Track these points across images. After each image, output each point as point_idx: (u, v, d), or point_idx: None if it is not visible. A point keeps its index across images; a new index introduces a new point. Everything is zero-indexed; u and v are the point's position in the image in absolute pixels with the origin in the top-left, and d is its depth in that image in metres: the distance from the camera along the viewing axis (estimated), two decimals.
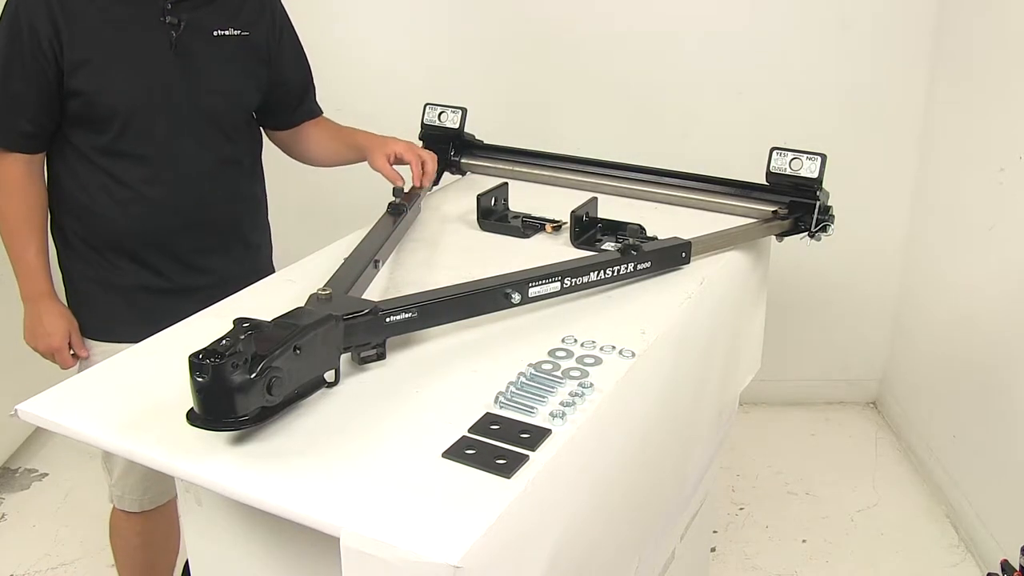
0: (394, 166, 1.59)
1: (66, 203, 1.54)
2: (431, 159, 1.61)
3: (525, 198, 1.57)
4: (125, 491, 1.65)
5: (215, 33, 1.52)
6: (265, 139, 1.72)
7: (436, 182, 1.71)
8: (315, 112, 1.76)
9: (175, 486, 1.60)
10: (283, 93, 1.68)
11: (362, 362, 1.03)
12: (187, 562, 1.92)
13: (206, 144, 1.54)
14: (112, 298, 1.55)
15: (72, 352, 1.56)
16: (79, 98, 1.44)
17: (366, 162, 1.64)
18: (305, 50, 1.70)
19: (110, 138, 1.47)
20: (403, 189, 1.50)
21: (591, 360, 1.05)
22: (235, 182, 1.62)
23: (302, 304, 1.00)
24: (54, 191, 1.54)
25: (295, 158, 1.80)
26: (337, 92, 1.75)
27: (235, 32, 1.54)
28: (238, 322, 0.88)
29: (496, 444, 0.88)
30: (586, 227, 1.42)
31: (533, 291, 1.15)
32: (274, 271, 1.52)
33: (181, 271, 1.55)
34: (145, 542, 1.73)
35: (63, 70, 1.42)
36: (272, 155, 1.76)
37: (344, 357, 1.00)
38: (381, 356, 1.04)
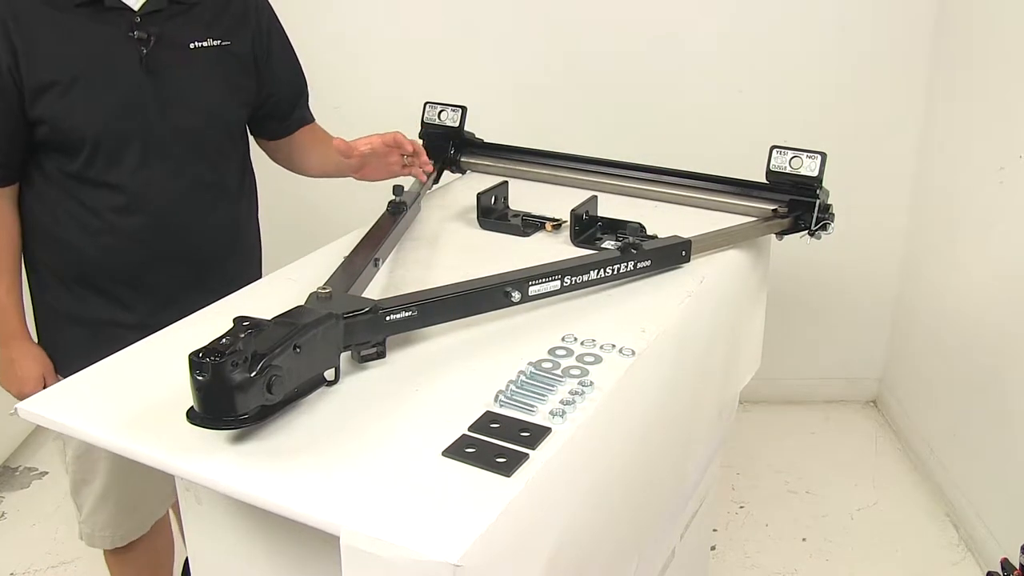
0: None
1: (34, 230, 1.43)
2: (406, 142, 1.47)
3: (525, 196, 1.57)
4: (95, 528, 1.58)
5: (191, 46, 1.40)
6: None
7: (436, 180, 1.71)
8: (307, 119, 1.67)
9: (150, 520, 1.61)
10: (275, 103, 1.58)
11: (362, 361, 1.03)
12: (186, 560, 1.93)
13: (184, 170, 1.42)
14: (80, 333, 1.45)
15: None
16: (44, 125, 1.33)
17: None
18: (303, 48, 1.65)
19: (79, 165, 1.36)
20: (403, 187, 1.49)
21: (591, 359, 1.05)
22: (217, 209, 1.50)
23: (302, 303, 1.00)
24: (23, 217, 1.43)
25: (287, 168, 1.71)
26: (336, 90, 1.74)
27: (214, 43, 1.42)
28: (238, 321, 0.88)
29: (496, 443, 0.88)
30: (586, 226, 1.42)
31: (533, 290, 1.15)
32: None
33: (153, 307, 1.42)
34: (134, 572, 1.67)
35: (25, 96, 1.31)
36: (264, 159, 1.74)
37: (344, 356, 1.00)
38: (381, 355, 1.04)
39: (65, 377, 1.35)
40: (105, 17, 1.33)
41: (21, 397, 1.36)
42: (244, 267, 1.59)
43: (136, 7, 1.35)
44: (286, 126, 1.64)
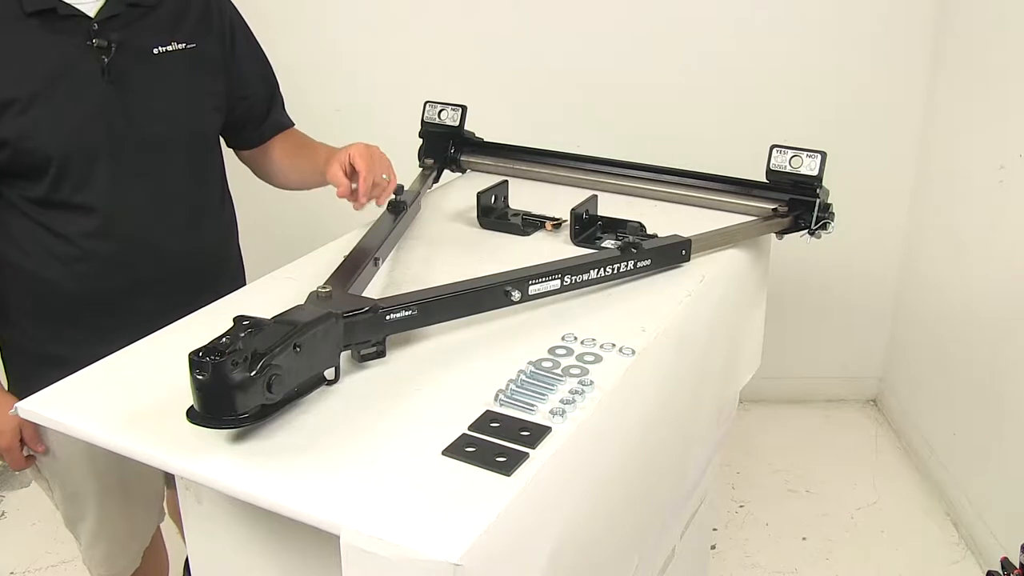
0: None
1: None
2: (381, 165, 1.39)
3: (525, 196, 1.57)
4: (92, 563, 1.57)
5: (155, 51, 1.30)
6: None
7: (436, 179, 1.71)
8: (284, 124, 1.56)
9: (140, 558, 1.60)
10: (248, 106, 1.49)
11: (362, 360, 1.03)
12: (187, 559, 1.93)
13: (159, 186, 1.33)
14: (56, 375, 1.25)
15: (26, 452, 1.38)
16: (5, 148, 1.22)
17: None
18: (303, 50, 1.62)
19: (45, 188, 1.25)
20: (403, 187, 1.49)
21: (591, 358, 1.05)
22: (200, 225, 1.41)
23: (302, 302, 1.00)
24: None
25: (269, 182, 1.60)
26: (337, 92, 1.74)
27: (179, 46, 1.32)
28: (238, 320, 0.88)
29: (496, 442, 0.88)
30: (586, 225, 1.42)
31: (533, 289, 1.15)
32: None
33: (136, 338, 1.21)
34: None
35: None
36: None
37: (344, 355, 1.00)
38: (381, 354, 1.04)
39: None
40: (60, 26, 1.23)
41: None
42: (231, 286, 1.49)
43: (92, 14, 1.26)
44: (262, 132, 1.55)
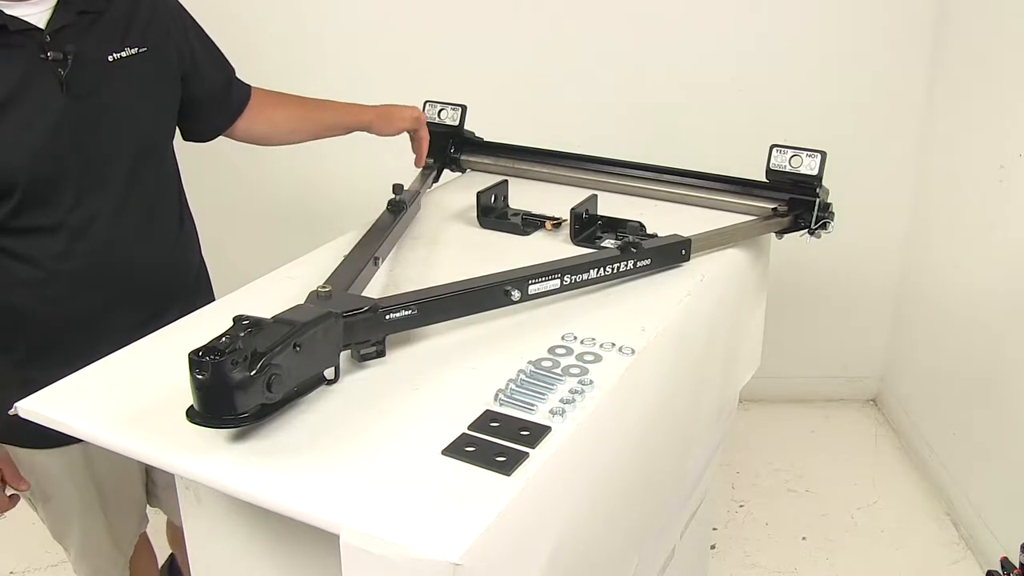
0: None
1: None
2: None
3: (525, 195, 1.57)
4: (79, 571, 1.57)
5: (110, 58, 1.25)
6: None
7: (436, 179, 1.71)
8: (246, 94, 1.53)
9: (127, 567, 1.59)
10: (208, 98, 1.46)
11: (362, 359, 1.03)
12: (171, 555, 1.93)
13: (128, 196, 1.29)
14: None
15: (8, 492, 1.36)
16: None
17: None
18: (303, 49, 1.62)
19: (6, 213, 1.19)
20: (402, 186, 1.49)
21: (591, 357, 1.05)
22: (165, 235, 1.39)
23: (302, 301, 1.00)
24: None
25: (259, 144, 1.61)
26: (336, 91, 1.73)
27: (133, 51, 1.28)
28: (238, 319, 0.88)
29: (496, 441, 0.88)
30: (586, 224, 1.42)
31: (533, 288, 1.15)
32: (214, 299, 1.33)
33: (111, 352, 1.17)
34: None
35: None
36: (265, 156, 1.72)
37: (344, 354, 1.00)
38: (381, 353, 1.04)
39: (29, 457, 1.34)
40: (12, 42, 1.17)
41: None
42: (202, 294, 1.51)
43: (43, 25, 1.20)
44: (230, 112, 1.52)
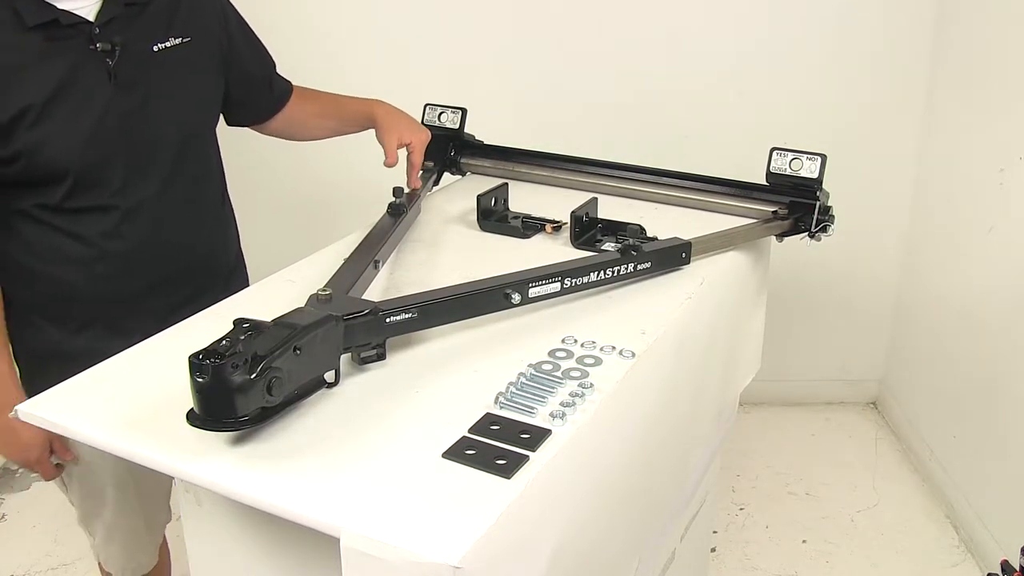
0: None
1: (10, 271, 1.32)
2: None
3: (525, 198, 1.57)
4: (109, 557, 1.56)
5: (155, 48, 1.31)
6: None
7: (436, 182, 1.71)
8: (287, 90, 1.59)
9: (157, 554, 1.59)
10: (248, 89, 1.52)
11: (362, 362, 1.03)
12: None
13: (172, 181, 1.35)
14: (70, 369, 1.18)
15: (55, 460, 1.38)
16: (18, 161, 1.22)
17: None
18: (303, 51, 1.64)
19: (61, 196, 1.26)
20: (403, 189, 1.49)
21: (591, 360, 1.05)
22: (209, 216, 1.45)
23: (302, 304, 1.00)
24: None
25: (288, 139, 1.67)
26: (336, 90, 1.73)
27: (176, 41, 1.33)
28: (238, 322, 0.88)
29: (496, 444, 0.88)
30: (586, 227, 1.42)
31: (533, 291, 1.15)
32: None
33: (149, 332, 1.22)
34: None
35: None
36: (265, 158, 1.72)
37: (344, 357, 1.00)
38: (381, 356, 1.04)
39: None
40: (63, 34, 1.23)
41: (27, 465, 1.37)
42: (239, 279, 1.56)
43: (92, 18, 1.25)
44: (272, 106, 1.58)
